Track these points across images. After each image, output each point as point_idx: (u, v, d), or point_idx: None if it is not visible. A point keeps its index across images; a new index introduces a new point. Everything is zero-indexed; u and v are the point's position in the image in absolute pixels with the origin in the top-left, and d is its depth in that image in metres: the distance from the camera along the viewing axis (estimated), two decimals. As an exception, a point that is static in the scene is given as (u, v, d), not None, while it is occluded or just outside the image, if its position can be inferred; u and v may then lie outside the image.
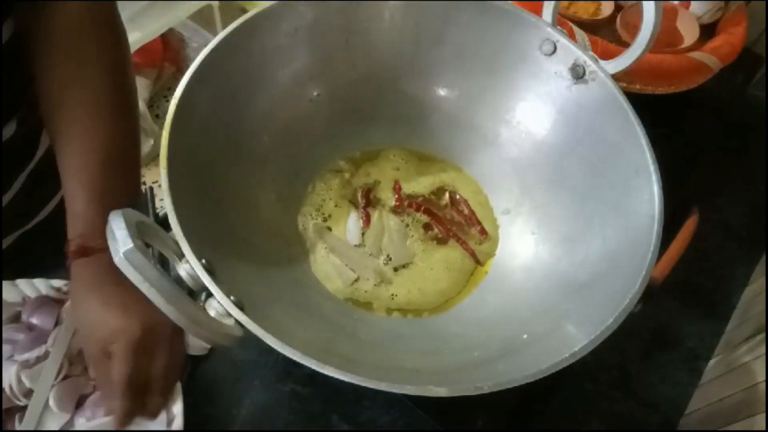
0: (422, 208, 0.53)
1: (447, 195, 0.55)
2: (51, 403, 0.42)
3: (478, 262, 0.52)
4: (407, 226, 0.53)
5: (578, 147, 0.49)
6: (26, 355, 0.44)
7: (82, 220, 0.41)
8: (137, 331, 0.38)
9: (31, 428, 0.41)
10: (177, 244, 0.32)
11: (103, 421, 0.42)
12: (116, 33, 0.45)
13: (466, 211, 0.54)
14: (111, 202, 0.39)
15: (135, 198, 0.45)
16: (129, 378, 0.39)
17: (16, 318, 0.46)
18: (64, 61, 0.42)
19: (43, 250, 0.53)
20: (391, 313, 0.48)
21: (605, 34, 0.75)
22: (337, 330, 0.45)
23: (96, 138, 0.42)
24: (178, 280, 0.32)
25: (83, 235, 0.41)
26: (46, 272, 0.48)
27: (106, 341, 0.39)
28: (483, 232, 0.53)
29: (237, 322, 0.31)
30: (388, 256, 0.51)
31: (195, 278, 0.32)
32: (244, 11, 0.53)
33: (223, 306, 0.31)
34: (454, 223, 0.54)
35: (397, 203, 0.54)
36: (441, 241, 0.52)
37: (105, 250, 0.39)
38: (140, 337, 0.39)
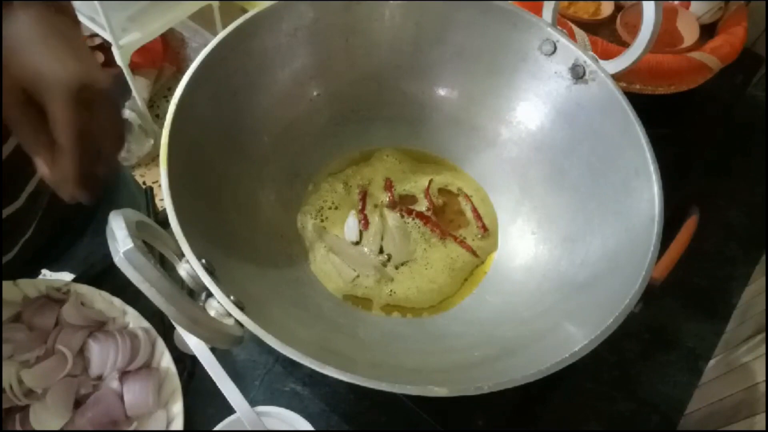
0: (413, 213, 0.53)
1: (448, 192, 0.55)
2: (51, 403, 0.42)
3: (476, 256, 0.52)
4: (403, 218, 0.53)
5: (578, 147, 0.49)
6: (26, 355, 0.44)
7: None
8: (74, 80, 0.34)
9: None
10: (177, 244, 0.32)
11: None
12: None
13: (469, 207, 0.54)
14: None
15: None
16: (76, 126, 0.33)
17: (16, 318, 0.46)
18: None
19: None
20: (390, 313, 0.49)
21: (605, 34, 0.75)
22: (337, 330, 0.45)
23: None
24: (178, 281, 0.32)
25: None
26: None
27: (33, 85, 0.33)
28: (485, 228, 0.53)
29: (237, 322, 0.31)
30: (388, 254, 0.51)
31: (195, 278, 0.32)
32: (244, 11, 0.53)
33: (223, 306, 0.31)
34: (451, 219, 0.54)
35: (390, 201, 0.54)
36: (441, 239, 0.52)
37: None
38: (77, 89, 0.33)
